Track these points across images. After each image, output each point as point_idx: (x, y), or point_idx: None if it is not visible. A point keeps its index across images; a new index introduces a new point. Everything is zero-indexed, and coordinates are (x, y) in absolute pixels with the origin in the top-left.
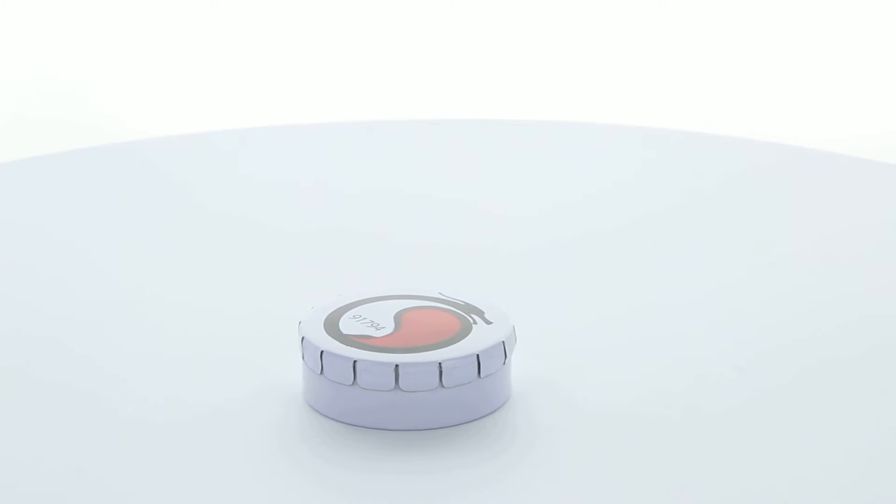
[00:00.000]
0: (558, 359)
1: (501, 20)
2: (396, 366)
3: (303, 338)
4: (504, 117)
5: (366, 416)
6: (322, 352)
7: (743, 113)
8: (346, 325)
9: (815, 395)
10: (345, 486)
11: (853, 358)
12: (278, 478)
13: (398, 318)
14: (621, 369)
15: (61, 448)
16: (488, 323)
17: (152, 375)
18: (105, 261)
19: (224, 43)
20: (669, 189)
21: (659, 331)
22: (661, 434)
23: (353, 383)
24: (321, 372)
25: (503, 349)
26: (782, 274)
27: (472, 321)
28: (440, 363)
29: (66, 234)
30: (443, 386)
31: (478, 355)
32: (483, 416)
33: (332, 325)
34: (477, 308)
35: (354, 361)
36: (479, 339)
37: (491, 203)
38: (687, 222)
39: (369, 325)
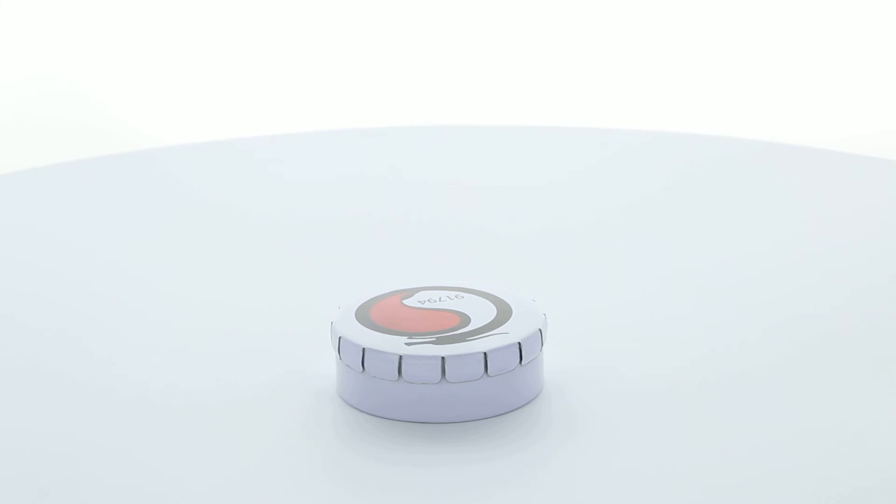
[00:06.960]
0: (584, 347)
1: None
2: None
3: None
4: (501, 123)
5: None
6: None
7: (738, 112)
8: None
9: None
10: (375, 479)
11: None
12: (303, 468)
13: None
14: (645, 353)
15: (96, 433)
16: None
17: (187, 364)
18: (141, 262)
19: (229, 49)
20: (666, 186)
21: (672, 316)
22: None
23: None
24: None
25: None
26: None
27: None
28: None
29: (100, 242)
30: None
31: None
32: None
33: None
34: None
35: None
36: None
37: (495, 203)
38: (685, 215)
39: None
